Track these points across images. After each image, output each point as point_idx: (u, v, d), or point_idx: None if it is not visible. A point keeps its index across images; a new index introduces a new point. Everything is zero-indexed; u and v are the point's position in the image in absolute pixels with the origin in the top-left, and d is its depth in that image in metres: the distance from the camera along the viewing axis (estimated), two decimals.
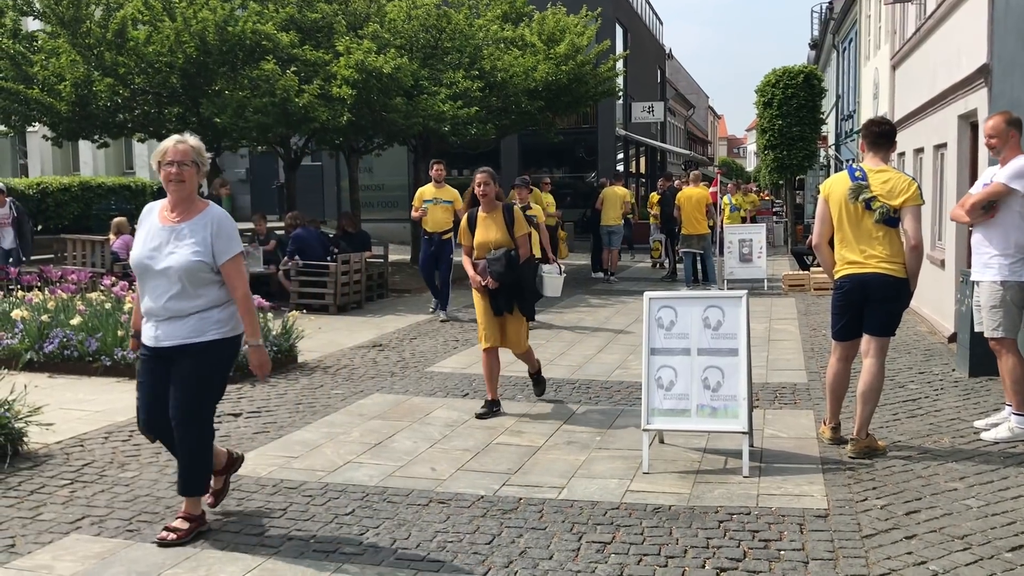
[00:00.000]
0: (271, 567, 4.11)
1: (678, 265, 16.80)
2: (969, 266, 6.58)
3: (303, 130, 14.71)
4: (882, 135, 5.78)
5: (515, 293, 6.87)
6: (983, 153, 8.61)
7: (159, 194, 17.66)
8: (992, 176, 6.05)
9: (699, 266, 15.62)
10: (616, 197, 16.81)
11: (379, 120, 14.88)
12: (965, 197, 6.22)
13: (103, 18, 14.17)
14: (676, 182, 18.38)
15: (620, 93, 25.81)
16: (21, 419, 5.75)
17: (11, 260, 12.91)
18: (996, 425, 6.11)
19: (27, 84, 14.28)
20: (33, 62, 14.32)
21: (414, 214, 11.94)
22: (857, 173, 5.68)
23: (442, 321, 11.60)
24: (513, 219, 6.97)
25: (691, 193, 14.93)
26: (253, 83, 13.56)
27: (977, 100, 9.09)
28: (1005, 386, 6.06)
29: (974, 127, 9.49)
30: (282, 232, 14.49)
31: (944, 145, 10.79)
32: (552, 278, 10.49)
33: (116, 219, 13.72)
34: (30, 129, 17.51)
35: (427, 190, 11.88)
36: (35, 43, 15.27)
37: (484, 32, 16.37)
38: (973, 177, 9.36)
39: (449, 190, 11.86)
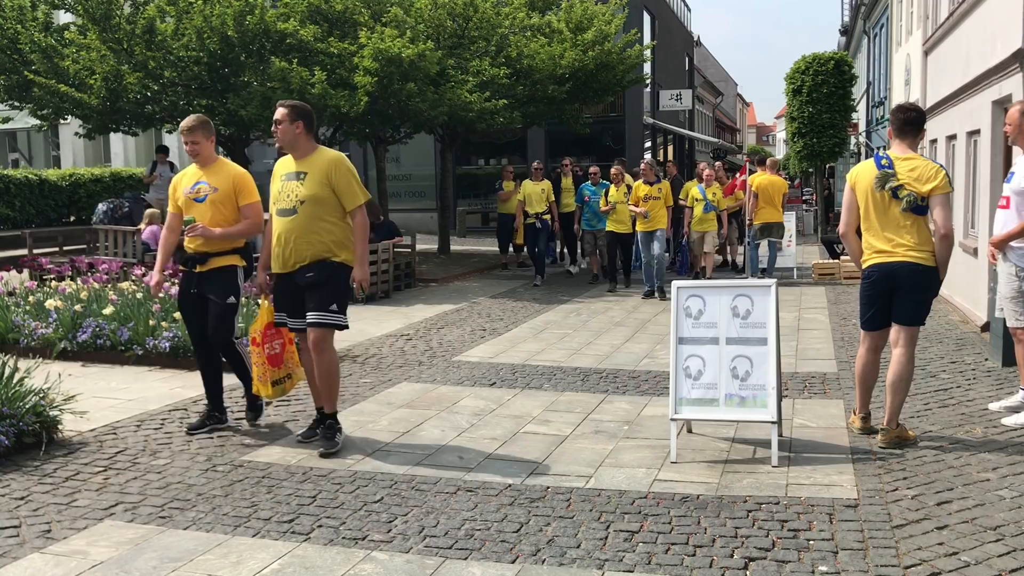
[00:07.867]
0: (301, 553, 4.15)
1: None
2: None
3: (324, 119, 14.74)
4: (909, 122, 5.67)
5: None
6: None
7: None
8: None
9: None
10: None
11: (403, 109, 14.89)
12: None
13: (132, 13, 14.29)
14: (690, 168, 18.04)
15: (648, 80, 25.65)
16: (56, 407, 5.85)
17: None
18: (1014, 409, 6.11)
19: (59, 78, 14.45)
20: (64, 55, 14.48)
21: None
22: (883, 161, 5.61)
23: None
24: None
25: (772, 180, 14.51)
26: (270, 76, 13.64)
27: (1012, 85, 8.94)
28: None
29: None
30: None
31: (977, 132, 10.63)
32: None
33: (148, 210, 13.92)
34: (62, 121, 17.71)
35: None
36: (65, 34, 15.45)
37: (511, 20, 16.30)
38: (1007, 164, 9.23)
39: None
